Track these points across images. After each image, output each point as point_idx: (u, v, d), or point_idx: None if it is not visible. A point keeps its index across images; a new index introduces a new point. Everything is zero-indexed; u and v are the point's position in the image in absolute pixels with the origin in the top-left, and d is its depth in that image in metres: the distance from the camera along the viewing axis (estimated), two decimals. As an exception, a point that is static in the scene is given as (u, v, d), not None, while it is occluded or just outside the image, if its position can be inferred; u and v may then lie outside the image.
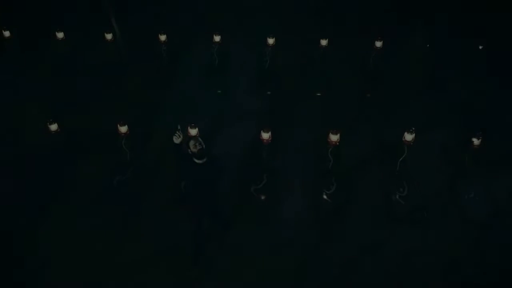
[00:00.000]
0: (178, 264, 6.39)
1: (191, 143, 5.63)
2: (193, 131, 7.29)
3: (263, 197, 7.30)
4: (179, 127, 5.69)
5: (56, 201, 7.21)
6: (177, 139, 5.66)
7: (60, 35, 9.97)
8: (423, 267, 6.43)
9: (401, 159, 7.45)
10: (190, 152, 5.65)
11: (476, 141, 7.36)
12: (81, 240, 6.67)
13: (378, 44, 9.59)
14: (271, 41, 9.64)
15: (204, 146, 5.64)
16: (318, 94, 9.50)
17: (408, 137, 7.23)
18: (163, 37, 9.79)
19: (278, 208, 7.15)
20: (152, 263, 6.42)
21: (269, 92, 9.50)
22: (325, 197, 7.28)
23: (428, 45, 9.61)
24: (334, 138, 7.23)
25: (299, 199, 7.32)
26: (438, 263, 6.49)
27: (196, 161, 5.69)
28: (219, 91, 9.49)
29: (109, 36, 9.97)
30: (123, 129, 7.42)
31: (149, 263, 6.42)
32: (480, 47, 9.94)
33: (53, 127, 7.47)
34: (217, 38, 9.72)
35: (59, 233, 6.78)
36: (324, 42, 9.68)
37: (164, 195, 7.26)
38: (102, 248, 6.60)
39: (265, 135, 7.23)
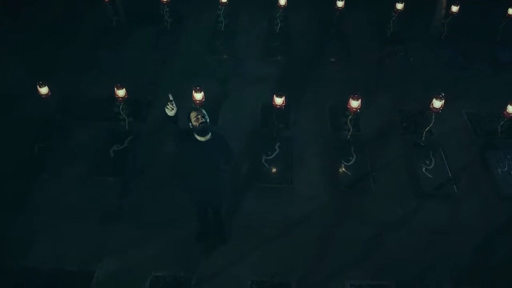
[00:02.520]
0: (181, 239, 5.83)
1: (193, 114, 4.60)
2: (198, 95, 6.64)
3: (274, 169, 6.68)
4: (170, 97, 4.66)
5: (46, 172, 6.62)
6: (170, 111, 4.68)
7: (53, -6, 9.32)
8: (451, 246, 5.87)
9: (427, 128, 6.89)
10: (190, 126, 4.69)
11: (511, 109, 6.72)
12: (74, 214, 6.10)
13: (399, 6, 8.85)
14: (282, 1, 8.91)
15: (208, 120, 4.65)
16: (332, 60, 8.79)
17: (437, 104, 6.58)
18: (165, -4, 9.04)
19: (291, 181, 6.53)
20: (151, 237, 5.86)
21: (279, 57, 8.80)
22: (343, 169, 6.67)
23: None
24: (354, 104, 6.58)
25: (315, 171, 6.72)
26: (468, 241, 5.93)
27: (198, 137, 4.70)
28: (225, 56, 8.78)
29: (106, -5, 9.19)
30: (121, 92, 6.77)
31: (148, 237, 5.86)
32: None
33: (43, 90, 6.78)
34: (224, -2, 9.03)
35: (50, 206, 6.20)
36: (340, 4, 8.96)
37: (164, 166, 6.66)
38: (97, 221, 6.05)
39: (279, 100, 6.57)
